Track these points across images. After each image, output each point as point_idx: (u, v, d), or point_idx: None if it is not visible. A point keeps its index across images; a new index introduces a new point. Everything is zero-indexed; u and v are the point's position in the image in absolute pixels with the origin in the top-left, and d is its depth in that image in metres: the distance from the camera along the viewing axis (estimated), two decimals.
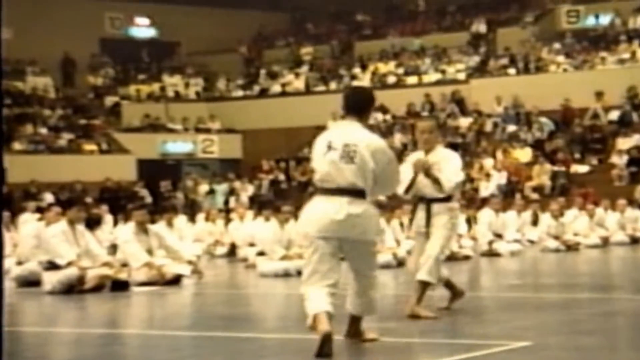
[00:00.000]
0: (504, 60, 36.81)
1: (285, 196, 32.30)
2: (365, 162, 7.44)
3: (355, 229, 7.42)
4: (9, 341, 8.84)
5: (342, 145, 7.47)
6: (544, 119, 33.55)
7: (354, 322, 7.78)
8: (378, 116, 36.39)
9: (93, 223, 15.01)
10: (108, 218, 25.27)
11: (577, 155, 32.22)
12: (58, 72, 38.95)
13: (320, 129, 32.96)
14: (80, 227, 14.16)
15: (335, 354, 7.11)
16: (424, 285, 9.32)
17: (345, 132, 7.60)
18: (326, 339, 7.03)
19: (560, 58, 35.95)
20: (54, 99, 37.43)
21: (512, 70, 36.24)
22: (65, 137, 34.86)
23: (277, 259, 15.85)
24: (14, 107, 35.35)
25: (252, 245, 18.81)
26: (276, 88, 39.50)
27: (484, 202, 25.27)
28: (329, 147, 7.49)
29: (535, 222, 23.12)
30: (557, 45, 36.76)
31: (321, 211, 7.47)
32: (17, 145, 33.36)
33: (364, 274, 7.65)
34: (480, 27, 39.18)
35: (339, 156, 7.44)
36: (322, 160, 7.53)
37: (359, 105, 7.75)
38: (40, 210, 20.94)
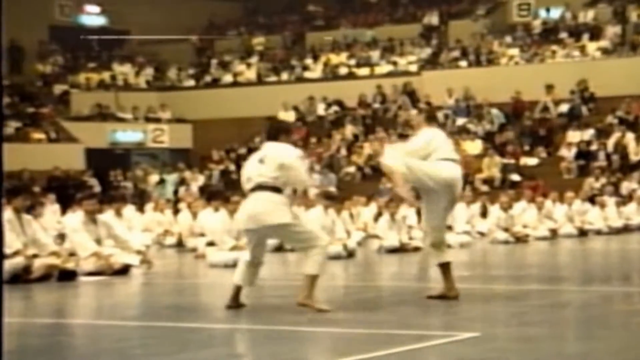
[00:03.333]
0: (456, 53, 36.98)
1: (236, 186, 32.16)
2: (273, 165, 9.26)
3: (267, 217, 9.18)
4: None
5: (260, 157, 9.46)
6: (494, 111, 33.74)
7: (308, 283, 9.11)
8: (326, 107, 36.46)
9: (32, 208, 14.80)
10: (55, 207, 25.02)
11: (526, 148, 32.45)
12: (5, 59, 38.45)
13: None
14: (27, 216, 14.00)
15: (284, 339, 7.09)
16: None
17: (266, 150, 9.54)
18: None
19: (511, 51, 36.19)
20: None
21: (463, 63, 36.42)
22: (12, 125, 34.43)
23: (226, 249, 15.79)
24: None
25: (201, 235, 18.73)
26: (227, 78, 39.37)
27: None
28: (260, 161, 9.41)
29: (484, 214, 23.24)
30: (508, 39, 36.99)
31: (243, 209, 9.54)
32: None
33: (300, 247, 9.39)
34: (433, 19, 39.32)
35: (258, 162, 9.42)
36: (247, 169, 9.54)
37: (272, 133, 9.69)
38: None
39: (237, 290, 9.58)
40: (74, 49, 40.84)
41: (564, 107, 33.40)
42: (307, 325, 8.40)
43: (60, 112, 37.06)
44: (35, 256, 13.47)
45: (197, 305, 10.99)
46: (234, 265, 15.30)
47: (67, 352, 7.57)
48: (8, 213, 13.74)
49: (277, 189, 9.22)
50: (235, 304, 9.52)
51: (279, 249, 17.42)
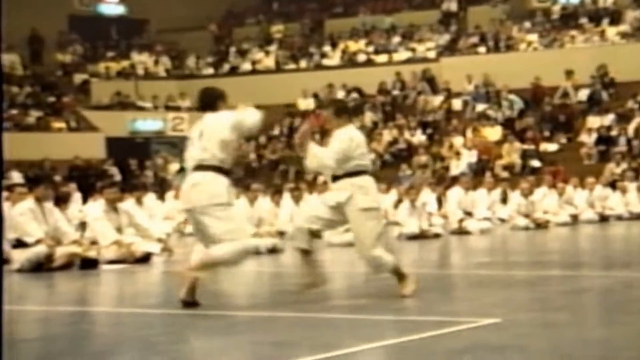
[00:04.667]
0: (475, 39, 36.86)
1: (255, 174, 32.26)
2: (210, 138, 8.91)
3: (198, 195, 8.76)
4: None
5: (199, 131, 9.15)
6: (513, 97, 33.64)
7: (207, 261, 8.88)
8: (345, 94, 36.44)
9: (61, 201, 14.92)
10: (77, 196, 25.12)
11: (546, 134, 32.35)
12: (26, 49, 38.61)
13: (290, 106, 32.89)
14: (49, 205, 14.08)
15: (308, 326, 7.12)
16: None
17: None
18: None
19: (531, 36, 36.05)
20: (21, 76, 37.13)
21: (482, 49, 36.31)
22: (33, 115, 34.61)
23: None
24: None
25: None
26: (246, 66, 39.38)
27: (454, 180, 25.34)
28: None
29: (505, 200, 23.20)
30: (527, 24, 36.84)
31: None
32: None
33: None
34: (451, 5, 39.19)
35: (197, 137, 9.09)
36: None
37: (205, 101, 9.50)
38: (8, 188, 20.79)
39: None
40: (93, 39, 40.93)
41: (584, 93, 33.27)
42: (329, 312, 8.44)
43: (81, 101, 37.17)
44: (57, 244, 13.56)
45: (218, 293, 11.02)
46: (254, 253, 15.40)
47: (91, 340, 7.62)
48: (30, 202, 13.84)
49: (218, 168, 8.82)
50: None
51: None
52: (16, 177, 29.34)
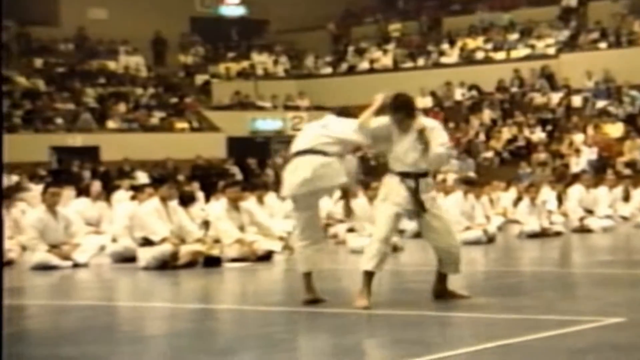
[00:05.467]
0: (595, 34, 36.26)
1: (374, 173, 32.31)
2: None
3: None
4: (106, 315, 9.08)
5: None
6: (635, 92, 33.02)
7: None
8: (465, 93, 36.26)
9: (186, 200, 15.22)
10: (199, 195, 25.55)
11: None
12: (149, 51, 39.42)
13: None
14: (173, 204, 14.38)
15: (425, 324, 7.16)
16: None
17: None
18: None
19: None
20: (145, 77, 37.92)
21: (603, 45, 35.70)
22: (157, 116, 35.32)
23: (367, 235, 15.90)
24: (108, 86, 35.94)
25: (341, 221, 18.89)
26: (364, 65, 39.47)
27: (575, 178, 25.02)
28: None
29: (627, 198, 22.83)
30: None
31: None
32: (111, 124, 33.92)
33: None
34: (571, 0, 38.61)
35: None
36: None
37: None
38: (134, 188, 21.29)
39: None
40: (214, 40, 41.54)
41: None
42: (449, 311, 8.46)
43: (202, 102, 37.79)
44: (181, 243, 13.86)
45: (339, 290, 11.12)
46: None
47: (215, 337, 7.78)
48: (155, 201, 14.17)
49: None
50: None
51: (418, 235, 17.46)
52: (141, 177, 30.00)
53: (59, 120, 33.04)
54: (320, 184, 8.87)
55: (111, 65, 37.40)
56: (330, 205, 22.36)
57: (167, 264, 13.45)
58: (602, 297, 9.14)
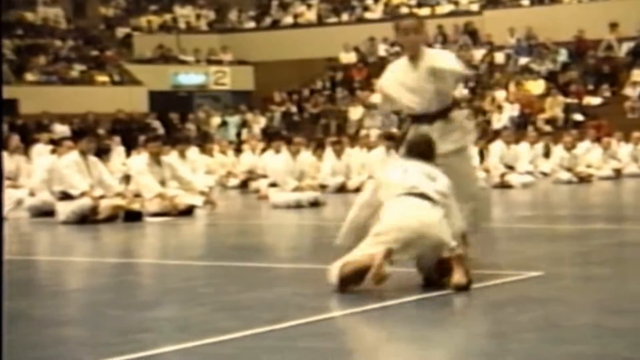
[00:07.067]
0: None
1: (297, 128, 32.30)
2: None
3: None
4: (25, 269, 8.94)
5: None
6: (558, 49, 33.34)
7: None
8: (389, 48, 36.28)
9: (103, 153, 15.06)
10: (120, 149, 25.30)
11: (590, 87, 32.07)
12: (69, 3, 38.75)
13: (332, 60, 32.87)
14: (93, 158, 14.22)
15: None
16: None
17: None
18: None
19: None
20: (65, 29, 37.30)
21: (525, 2, 35.97)
22: (77, 69, 34.81)
23: (289, 190, 15.90)
24: (26, 38, 35.28)
25: (264, 176, 18.86)
26: (288, 19, 39.28)
27: (496, 134, 25.24)
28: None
29: (547, 154, 23.10)
30: None
31: None
32: (29, 77, 33.36)
33: None
34: None
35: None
36: None
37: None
38: (53, 142, 21.01)
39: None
40: None
41: (629, 46, 32.89)
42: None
43: (123, 55, 37.32)
44: (101, 197, 13.70)
45: (261, 245, 11.11)
46: (296, 206, 15.51)
47: (137, 290, 7.71)
48: (75, 155, 13.98)
49: None
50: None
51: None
52: (60, 130, 29.59)
53: None
54: None
55: (29, 16, 36.69)
56: (252, 160, 22.35)
57: (86, 218, 13.31)
58: (522, 252, 9.22)
